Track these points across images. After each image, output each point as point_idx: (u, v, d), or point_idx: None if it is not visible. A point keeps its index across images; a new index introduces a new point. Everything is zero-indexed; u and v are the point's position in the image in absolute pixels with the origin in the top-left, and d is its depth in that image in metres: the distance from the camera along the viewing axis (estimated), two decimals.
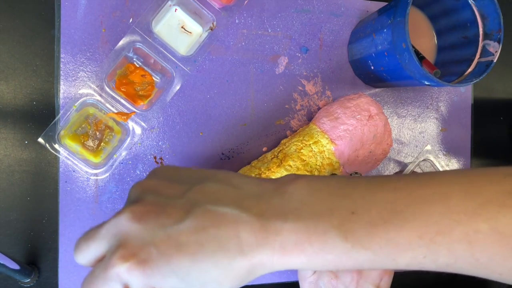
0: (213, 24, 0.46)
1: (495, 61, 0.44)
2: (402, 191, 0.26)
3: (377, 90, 0.56)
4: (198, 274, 0.24)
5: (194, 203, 0.25)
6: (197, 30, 0.48)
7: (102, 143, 0.45)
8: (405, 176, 0.27)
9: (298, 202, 0.25)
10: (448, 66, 0.50)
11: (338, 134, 0.47)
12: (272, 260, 0.24)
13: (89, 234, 0.26)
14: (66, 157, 0.43)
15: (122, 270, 0.23)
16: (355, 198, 0.26)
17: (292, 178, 0.27)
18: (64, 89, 0.45)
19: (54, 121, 0.43)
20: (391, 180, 0.27)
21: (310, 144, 0.47)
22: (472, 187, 0.25)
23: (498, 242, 0.24)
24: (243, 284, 0.26)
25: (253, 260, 0.24)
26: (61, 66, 0.45)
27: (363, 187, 0.26)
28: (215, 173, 0.28)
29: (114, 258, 0.23)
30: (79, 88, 0.45)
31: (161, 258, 0.23)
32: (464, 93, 0.60)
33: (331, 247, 0.24)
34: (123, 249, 0.23)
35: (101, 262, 0.25)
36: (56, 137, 0.42)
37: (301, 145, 0.47)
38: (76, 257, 0.26)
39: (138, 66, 0.46)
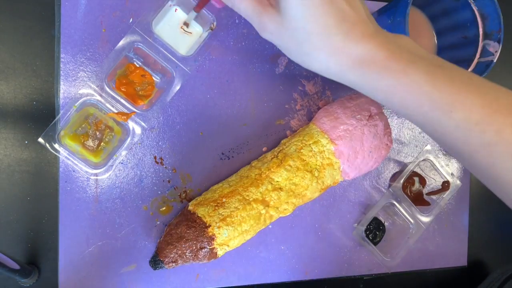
0: (213, 24, 0.46)
1: (495, 61, 0.44)
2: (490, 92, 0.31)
3: None
4: (326, 19, 0.30)
5: None
6: (197, 30, 0.48)
7: (102, 143, 0.45)
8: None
9: (406, 40, 0.33)
10: None
11: (338, 134, 0.47)
12: (373, 59, 0.30)
13: None
14: (66, 157, 0.43)
15: None
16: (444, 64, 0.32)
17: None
18: (64, 89, 0.45)
19: (54, 121, 0.43)
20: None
21: (310, 144, 0.47)
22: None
23: None
24: (327, 72, 0.32)
25: (365, 46, 0.30)
26: (61, 66, 0.45)
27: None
28: None
29: None
30: (79, 88, 0.45)
31: None
32: None
33: (414, 69, 0.30)
34: None
35: None
36: (56, 137, 0.42)
37: (301, 145, 0.47)
38: None
39: (138, 66, 0.46)
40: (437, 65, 0.30)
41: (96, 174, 0.44)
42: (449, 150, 0.32)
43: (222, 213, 0.44)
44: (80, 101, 0.43)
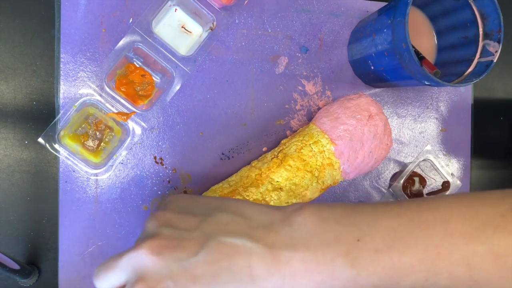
0: (213, 24, 0.46)
1: (495, 61, 0.44)
2: (404, 217, 0.27)
3: (377, 90, 0.56)
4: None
5: (207, 235, 0.26)
6: (197, 30, 0.48)
7: (102, 143, 0.45)
8: (406, 202, 0.29)
9: (306, 232, 0.27)
10: (448, 66, 0.50)
11: (338, 134, 0.47)
12: (297, 274, 0.26)
13: (108, 263, 0.27)
14: (66, 157, 0.43)
15: None
16: (360, 225, 0.27)
17: (298, 207, 0.29)
18: (64, 89, 0.45)
19: (54, 121, 0.43)
20: (394, 207, 0.29)
21: (310, 144, 0.47)
22: (469, 211, 0.27)
23: (494, 263, 0.25)
24: None
25: (285, 271, 0.25)
26: (61, 66, 0.45)
27: (368, 215, 0.28)
28: (227, 203, 0.29)
29: None
30: (79, 88, 0.45)
31: None
32: (464, 93, 0.60)
33: (338, 274, 0.26)
34: (142, 283, 0.25)
35: None
36: (56, 137, 0.42)
37: (301, 145, 0.47)
38: (97, 283, 0.28)
39: (138, 66, 0.46)
40: (354, 239, 0.26)
41: (96, 174, 0.44)
42: None
43: None
44: (80, 101, 0.43)
